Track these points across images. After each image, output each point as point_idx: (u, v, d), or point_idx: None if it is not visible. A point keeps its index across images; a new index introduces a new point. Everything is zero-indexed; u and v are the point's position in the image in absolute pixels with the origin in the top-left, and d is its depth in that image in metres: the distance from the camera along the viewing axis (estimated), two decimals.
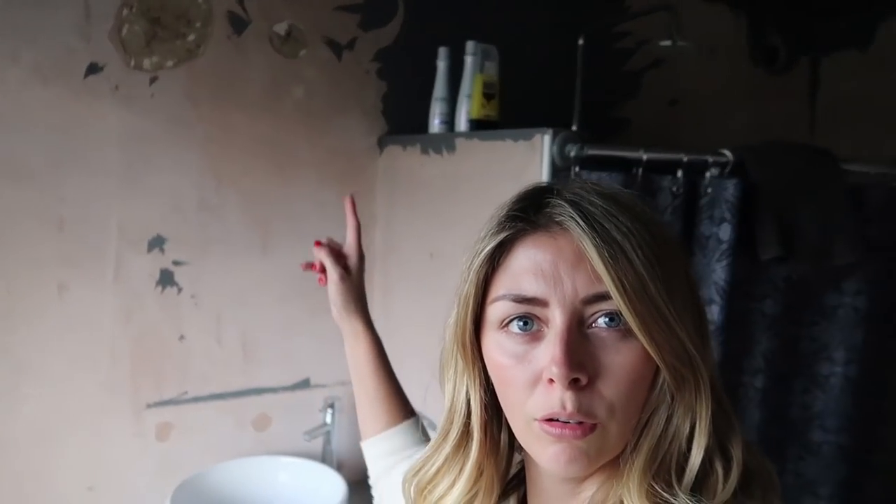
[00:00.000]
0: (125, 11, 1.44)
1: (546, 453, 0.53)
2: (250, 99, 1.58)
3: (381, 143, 1.70)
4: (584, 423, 0.51)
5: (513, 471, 0.64)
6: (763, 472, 0.54)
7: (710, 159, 1.16)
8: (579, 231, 0.51)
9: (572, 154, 1.10)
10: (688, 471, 0.52)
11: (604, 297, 0.51)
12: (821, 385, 1.33)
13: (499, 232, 0.55)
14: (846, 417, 1.33)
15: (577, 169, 1.10)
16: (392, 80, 1.70)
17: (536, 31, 1.84)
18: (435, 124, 1.48)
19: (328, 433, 1.67)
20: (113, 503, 1.53)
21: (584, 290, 0.51)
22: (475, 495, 0.60)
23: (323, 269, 0.96)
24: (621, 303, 0.50)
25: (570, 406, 0.50)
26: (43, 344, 1.44)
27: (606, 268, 0.50)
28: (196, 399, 1.60)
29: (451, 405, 0.60)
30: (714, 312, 1.14)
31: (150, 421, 1.56)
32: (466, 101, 1.38)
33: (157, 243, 1.53)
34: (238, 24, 1.55)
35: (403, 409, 0.89)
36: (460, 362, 0.58)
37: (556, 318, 0.51)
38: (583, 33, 1.53)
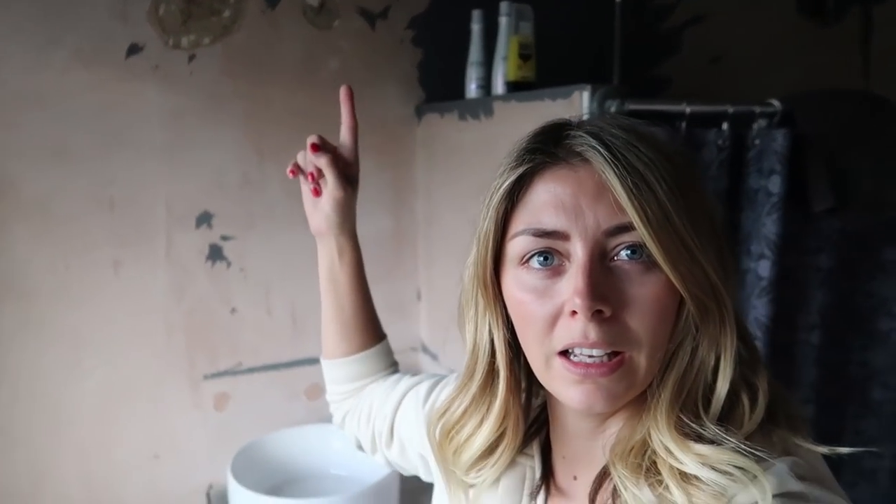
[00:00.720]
0: None
1: (570, 394, 0.52)
2: (286, 72, 1.59)
3: (419, 112, 1.69)
4: (610, 361, 0.51)
5: (532, 415, 0.64)
6: (787, 404, 0.54)
7: (758, 110, 1.12)
8: (601, 161, 0.50)
9: (612, 109, 1.08)
10: (714, 401, 0.52)
11: (626, 228, 0.50)
12: (881, 341, 1.29)
13: (517, 166, 0.54)
14: None
15: None
16: (427, 48, 1.69)
17: None
18: (472, 89, 1.47)
19: None
20: (177, 470, 1.60)
21: (607, 222, 0.50)
22: (503, 434, 0.60)
23: (315, 178, 0.82)
24: (645, 233, 0.49)
25: (592, 335, 0.50)
26: (102, 320, 1.50)
27: (630, 198, 0.49)
28: (250, 370, 1.64)
29: (474, 346, 0.60)
30: (765, 267, 1.11)
31: (208, 391, 1.61)
32: (502, 63, 1.36)
33: (204, 219, 1.56)
34: None
35: (377, 331, 0.85)
36: (481, 302, 0.58)
37: (578, 251, 0.51)
38: None
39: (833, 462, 0.54)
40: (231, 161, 1.57)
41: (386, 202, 1.72)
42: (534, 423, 0.64)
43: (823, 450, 0.52)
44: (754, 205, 1.13)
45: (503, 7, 1.37)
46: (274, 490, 1.54)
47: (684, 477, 0.49)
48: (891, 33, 2.23)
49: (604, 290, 0.50)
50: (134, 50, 1.46)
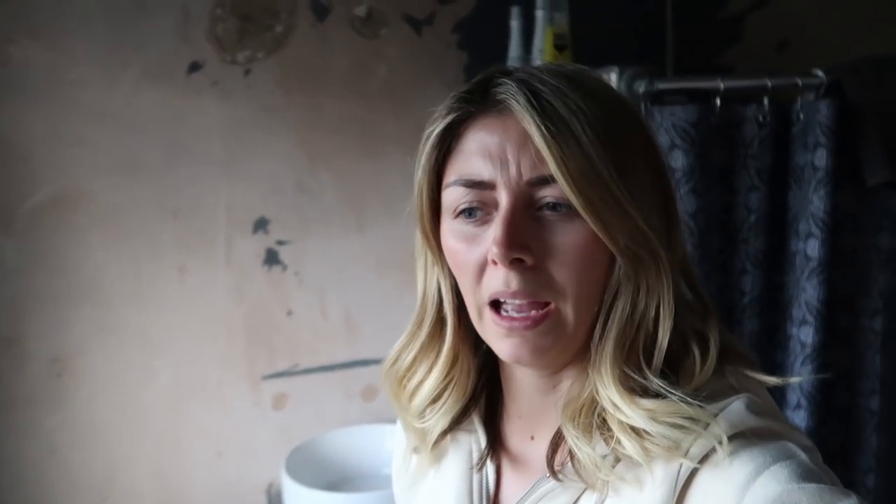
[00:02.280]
0: (218, 11, 1.55)
1: (500, 346, 0.53)
2: (336, 81, 1.64)
3: None
4: (534, 314, 0.51)
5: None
6: (737, 348, 0.54)
7: (801, 82, 1.07)
8: (520, 110, 0.50)
9: (641, 90, 1.05)
10: (656, 353, 0.52)
11: (547, 180, 0.50)
12: None
13: (447, 115, 0.54)
14: None
15: (648, 104, 1.06)
16: (473, 51, 1.71)
17: None
18: None
19: None
20: (239, 467, 1.66)
21: (528, 173, 0.50)
22: (451, 381, 0.60)
23: None
24: (564, 184, 0.48)
25: (513, 284, 0.50)
26: (168, 323, 1.59)
27: (549, 148, 0.48)
28: (307, 371, 1.69)
29: (424, 294, 0.60)
30: (814, 247, 1.05)
31: (267, 391, 1.67)
32: (539, 56, 1.36)
33: (261, 225, 1.63)
34: (320, 11, 1.62)
35: None
36: (428, 251, 0.59)
37: (502, 200, 0.51)
38: None
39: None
40: (285, 169, 1.63)
41: None
42: (471, 396, 0.63)
43: (775, 380, 0.52)
44: (801, 182, 1.07)
45: (539, 1, 1.37)
46: (328, 488, 1.56)
47: (635, 430, 0.49)
48: None
49: (524, 239, 0.50)
50: (195, 67, 1.56)
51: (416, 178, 0.57)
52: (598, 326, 0.53)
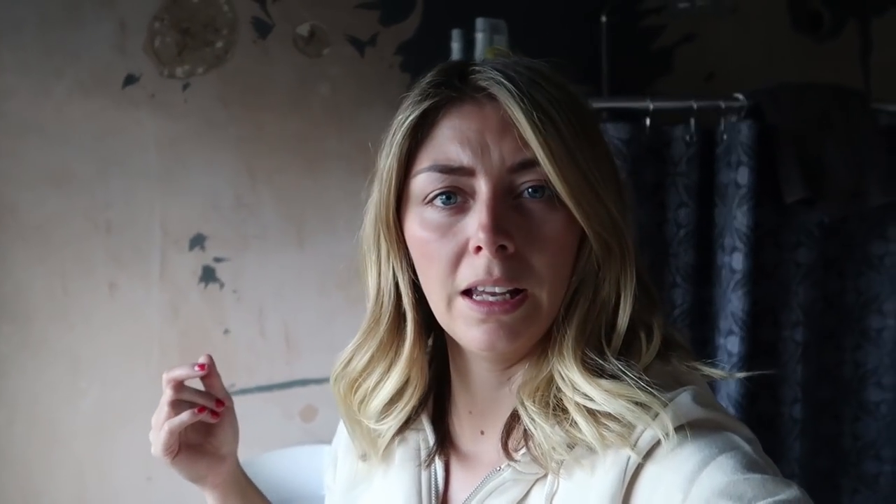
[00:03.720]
0: (156, 24, 1.53)
1: (473, 334, 0.52)
2: (278, 98, 1.64)
3: None
4: (513, 299, 0.51)
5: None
6: (682, 347, 0.56)
7: (724, 105, 1.13)
8: (507, 96, 0.50)
9: None
10: (615, 337, 0.53)
11: (530, 164, 0.50)
12: (872, 340, 1.25)
13: (422, 100, 0.53)
14: None
15: None
16: (415, 72, 1.73)
17: (555, 10, 1.84)
18: None
19: None
20: (170, 493, 1.59)
21: (511, 158, 0.50)
22: (410, 380, 0.59)
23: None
24: (550, 168, 0.49)
25: (496, 272, 0.49)
26: (97, 340, 1.53)
27: (535, 132, 0.49)
28: (243, 391, 1.65)
29: (378, 291, 0.58)
30: (738, 260, 1.10)
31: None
32: None
33: (197, 241, 1.60)
34: (262, 28, 1.62)
35: None
36: (384, 244, 0.57)
37: (483, 187, 0.51)
38: (605, 10, 1.52)
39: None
40: (224, 185, 1.61)
41: None
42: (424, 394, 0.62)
43: (720, 373, 0.53)
44: (725, 198, 1.12)
45: (479, 23, 1.41)
46: None
47: (592, 414, 0.50)
48: (890, 47, 2.22)
49: (507, 226, 0.50)
50: (131, 80, 1.53)
51: (383, 167, 0.55)
52: (561, 309, 0.54)
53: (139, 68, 1.53)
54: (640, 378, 0.50)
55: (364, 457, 0.65)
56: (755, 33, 2.14)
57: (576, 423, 0.50)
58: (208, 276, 1.61)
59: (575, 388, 0.51)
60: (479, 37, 1.40)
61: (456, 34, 1.51)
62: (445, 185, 0.52)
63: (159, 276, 1.57)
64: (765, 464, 0.47)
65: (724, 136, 1.11)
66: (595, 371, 0.51)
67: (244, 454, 1.58)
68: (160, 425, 0.68)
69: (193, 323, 1.60)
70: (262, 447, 1.64)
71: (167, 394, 0.69)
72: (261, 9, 1.62)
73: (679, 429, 0.48)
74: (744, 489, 0.44)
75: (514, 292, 0.51)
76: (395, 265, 0.57)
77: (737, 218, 1.09)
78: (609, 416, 0.49)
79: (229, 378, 1.63)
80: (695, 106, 1.10)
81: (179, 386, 0.69)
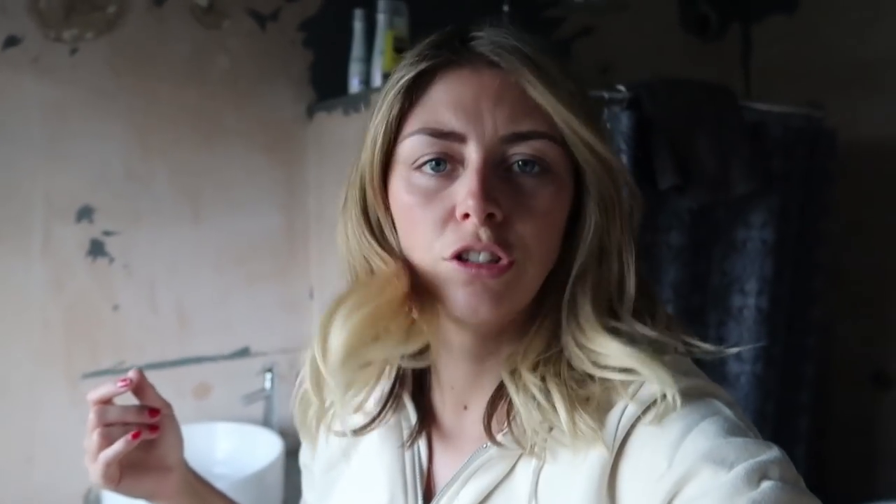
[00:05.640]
0: None
1: (458, 294, 0.51)
2: (174, 69, 1.60)
3: (311, 111, 1.72)
4: (499, 263, 0.50)
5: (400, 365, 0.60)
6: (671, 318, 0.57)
7: (607, 95, 1.20)
8: (512, 62, 0.50)
9: None
10: (625, 300, 0.54)
11: (523, 136, 0.50)
12: (734, 317, 1.37)
13: (419, 61, 0.52)
14: (759, 348, 1.37)
15: None
16: (318, 49, 1.73)
17: None
18: (354, 84, 1.51)
19: (269, 398, 1.69)
20: (52, 474, 1.54)
21: (504, 128, 0.50)
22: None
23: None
24: (566, 129, 0.50)
25: (485, 237, 0.49)
26: None
27: (547, 99, 0.49)
28: (133, 368, 1.61)
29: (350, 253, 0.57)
30: None
31: (87, 391, 1.56)
32: (380, 57, 1.42)
33: (85, 214, 1.54)
34: None
35: None
36: (371, 203, 0.55)
37: (473, 154, 0.50)
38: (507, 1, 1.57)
39: None
40: (114, 156, 1.56)
41: (278, 200, 1.73)
42: (400, 378, 0.62)
43: (711, 348, 0.55)
44: None
45: (380, 4, 1.42)
46: None
47: (572, 399, 0.50)
48: (768, 51, 2.40)
49: (496, 195, 0.49)
50: (12, 42, 1.45)
51: (372, 126, 0.53)
52: (570, 281, 0.54)
53: (21, 29, 1.45)
54: (654, 333, 0.51)
55: (343, 433, 0.61)
56: (648, 31, 2.27)
57: (555, 409, 0.50)
58: (97, 249, 1.55)
59: (593, 351, 0.51)
60: (381, 18, 1.42)
61: (358, 14, 1.52)
62: (435, 150, 0.51)
63: (42, 249, 1.50)
64: (745, 427, 0.48)
65: (608, 125, 1.18)
66: (614, 333, 0.52)
67: None
68: (94, 455, 0.63)
69: (80, 298, 1.55)
70: None
71: (91, 418, 0.63)
72: None
73: (664, 397, 0.48)
74: (726, 452, 0.45)
75: (503, 260, 0.50)
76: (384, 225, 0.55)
77: None
78: (594, 402, 0.50)
79: (118, 356, 1.59)
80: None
81: (103, 408, 0.65)
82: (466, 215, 0.49)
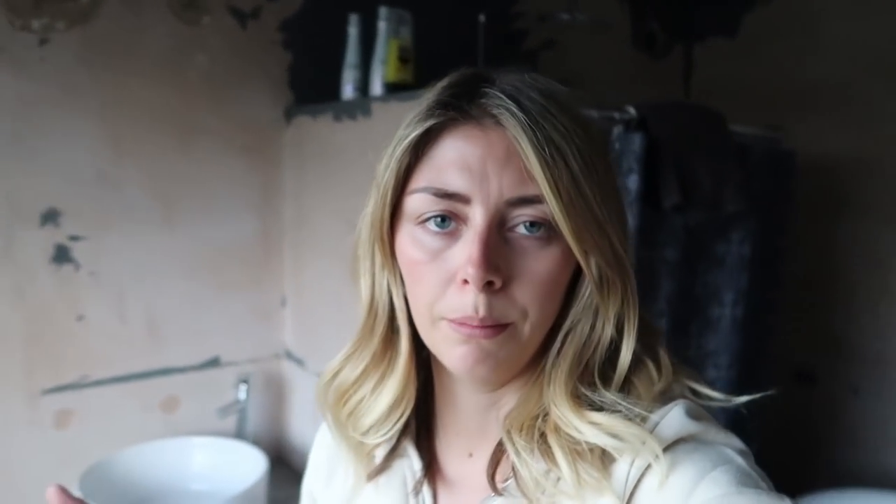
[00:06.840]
0: None
1: (453, 353, 0.51)
2: (150, 65, 1.51)
3: (289, 115, 1.67)
4: (494, 326, 0.50)
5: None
6: (680, 365, 0.57)
7: (617, 115, 1.24)
8: (516, 127, 0.48)
9: None
10: (618, 370, 0.53)
11: (530, 200, 0.49)
12: (712, 327, 1.46)
13: (426, 118, 0.51)
14: (733, 355, 1.46)
15: None
16: (298, 51, 1.68)
17: (444, 4, 1.88)
18: (347, 91, 1.48)
19: (243, 410, 1.63)
20: (7, 495, 1.42)
21: (511, 192, 0.49)
22: (401, 397, 0.57)
23: None
24: (555, 206, 0.48)
25: (482, 310, 0.49)
26: None
27: (543, 169, 0.48)
28: (98, 383, 1.51)
29: (372, 300, 0.57)
30: None
31: (48, 407, 1.45)
32: (381, 66, 1.40)
33: (50, 217, 1.43)
34: None
35: None
36: (378, 256, 0.55)
37: (477, 217, 0.49)
38: (484, 11, 1.59)
39: None
40: (84, 156, 1.45)
41: (252, 205, 1.67)
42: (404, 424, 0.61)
43: (720, 396, 0.55)
44: None
45: (382, 12, 1.40)
46: None
47: (573, 451, 0.50)
48: (707, 71, 2.55)
49: (497, 261, 0.49)
50: None
51: (382, 180, 0.53)
52: (556, 344, 0.53)
53: None
54: (635, 406, 0.50)
55: (367, 477, 0.61)
56: (604, 47, 2.36)
57: (556, 459, 0.50)
58: (62, 255, 1.44)
59: (566, 422, 0.50)
60: (383, 26, 1.39)
61: (354, 19, 1.49)
62: (440, 209, 0.50)
63: (1, 254, 1.38)
64: (758, 477, 0.48)
65: (617, 145, 1.22)
66: (589, 405, 0.51)
67: (99, 452, 1.46)
68: None
69: (41, 308, 1.43)
70: (120, 444, 1.51)
71: None
72: None
73: (673, 444, 0.48)
74: (738, 502, 0.44)
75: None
76: (389, 278, 0.56)
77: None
78: (597, 452, 0.49)
79: (82, 369, 1.49)
80: (595, 115, 1.20)
81: None
82: (466, 281, 0.49)
